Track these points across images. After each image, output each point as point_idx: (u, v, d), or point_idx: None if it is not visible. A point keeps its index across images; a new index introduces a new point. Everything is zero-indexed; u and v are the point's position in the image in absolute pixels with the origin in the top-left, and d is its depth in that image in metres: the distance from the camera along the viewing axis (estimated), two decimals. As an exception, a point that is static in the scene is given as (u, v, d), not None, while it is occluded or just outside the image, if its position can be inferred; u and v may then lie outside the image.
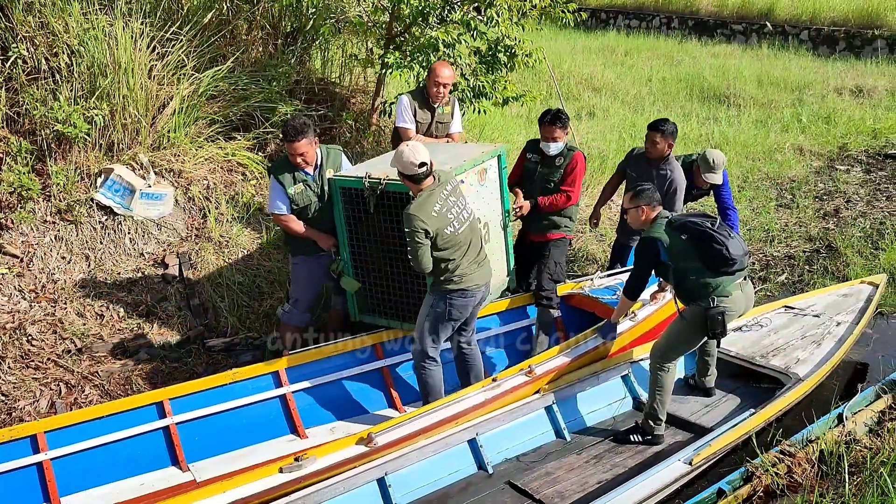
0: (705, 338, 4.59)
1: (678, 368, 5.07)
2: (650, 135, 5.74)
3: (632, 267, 4.98)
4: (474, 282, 4.48)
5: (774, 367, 5.16)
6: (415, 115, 5.76)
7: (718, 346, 5.04)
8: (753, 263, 7.74)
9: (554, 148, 5.39)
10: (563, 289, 5.86)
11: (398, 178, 4.40)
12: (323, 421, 4.92)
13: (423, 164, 4.21)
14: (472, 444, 4.39)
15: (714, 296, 4.39)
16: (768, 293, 7.20)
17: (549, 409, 4.72)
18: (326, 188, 4.91)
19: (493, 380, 4.61)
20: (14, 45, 5.83)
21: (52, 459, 4.20)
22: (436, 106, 5.80)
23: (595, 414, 4.91)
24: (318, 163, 4.91)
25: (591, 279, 5.91)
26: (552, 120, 5.34)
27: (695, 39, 18.68)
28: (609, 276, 5.97)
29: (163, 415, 4.54)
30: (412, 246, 4.25)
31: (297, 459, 3.87)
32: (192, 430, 4.60)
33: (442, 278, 4.41)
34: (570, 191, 5.42)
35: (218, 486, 3.73)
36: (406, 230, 4.24)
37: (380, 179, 4.62)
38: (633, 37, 19.19)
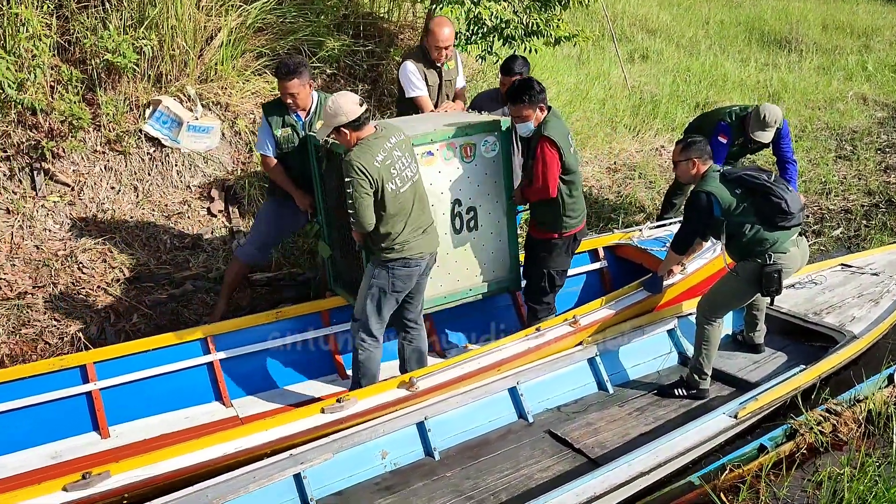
0: (757, 294, 4.48)
1: (726, 324, 4.98)
2: (505, 80, 5.10)
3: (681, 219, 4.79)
4: (418, 250, 4.04)
5: (828, 325, 5.02)
6: (426, 79, 5.25)
7: (771, 303, 4.92)
8: (808, 216, 7.50)
9: (522, 129, 4.47)
10: (611, 239, 5.76)
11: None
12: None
13: (363, 104, 3.85)
14: (513, 392, 4.37)
15: (770, 252, 4.26)
16: (822, 247, 6.99)
17: (591, 361, 4.66)
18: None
19: (537, 329, 4.56)
20: (65, -29, 5.77)
21: (100, 389, 4.31)
22: (441, 65, 5.30)
23: (639, 367, 4.84)
24: (312, 109, 4.68)
25: (640, 230, 5.77)
26: (510, 96, 4.43)
27: (757, -21, 17.86)
28: (659, 226, 5.82)
29: (207, 351, 4.61)
30: (353, 197, 3.80)
31: (338, 401, 3.89)
32: (235, 367, 4.66)
33: (382, 245, 4.00)
34: (537, 183, 4.43)
35: (261, 424, 3.78)
36: (346, 179, 3.82)
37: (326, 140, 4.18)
38: (693, -24, 18.39)
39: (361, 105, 3.84)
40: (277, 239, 5.26)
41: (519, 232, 4.90)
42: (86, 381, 4.33)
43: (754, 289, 4.39)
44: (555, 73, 9.61)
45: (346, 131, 3.84)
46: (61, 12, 5.84)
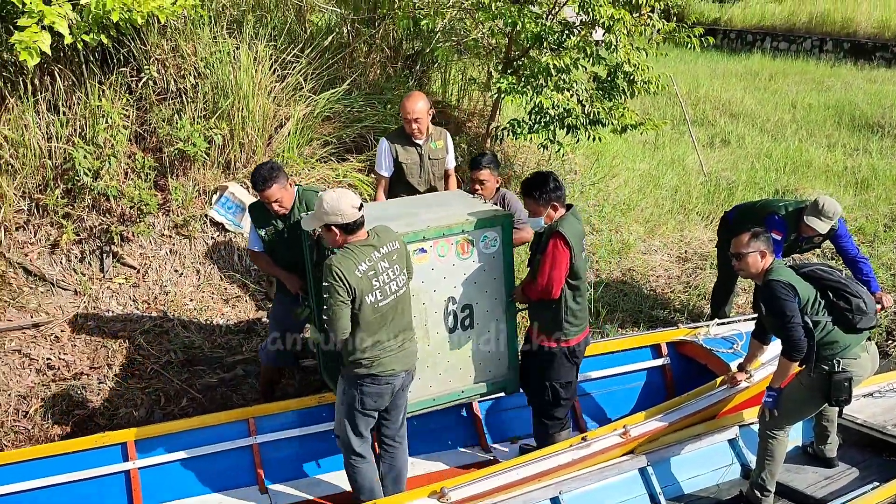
0: (825, 404, 4.11)
1: (794, 435, 4.59)
2: (473, 175, 4.94)
3: (778, 323, 4.03)
4: (389, 367, 3.82)
5: None
6: (397, 158, 5.20)
7: (840, 414, 4.50)
8: (897, 315, 6.97)
9: (532, 223, 4.30)
10: (676, 334, 5.47)
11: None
12: (410, 453, 4.79)
13: (361, 207, 3.67)
14: (555, 502, 4.10)
15: (840, 357, 3.94)
16: (912, 351, 6.45)
17: (643, 471, 4.32)
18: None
19: (583, 438, 4.28)
20: (147, 66, 6.15)
21: (139, 468, 4.35)
22: (419, 142, 5.22)
23: (696, 480, 4.47)
24: (294, 205, 4.58)
25: (708, 326, 5.46)
26: (522, 187, 4.29)
27: (850, 63, 17.33)
28: (725, 323, 5.50)
29: (248, 433, 4.60)
30: (329, 303, 3.63)
31: (362, 509, 3.75)
32: (275, 451, 4.64)
33: (350, 358, 3.81)
34: (542, 279, 4.17)
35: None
36: (324, 284, 3.64)
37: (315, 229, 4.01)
38: (781, 60, 18.05)
39: (360, 209, 3.69)
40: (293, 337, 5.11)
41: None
42: (126, 459, 4.37)
43: (821, 398, 4.04)
44: (626, 159, 9.48)
45: (337, 231, 3.71)
46: (141, 104, 6.19)
